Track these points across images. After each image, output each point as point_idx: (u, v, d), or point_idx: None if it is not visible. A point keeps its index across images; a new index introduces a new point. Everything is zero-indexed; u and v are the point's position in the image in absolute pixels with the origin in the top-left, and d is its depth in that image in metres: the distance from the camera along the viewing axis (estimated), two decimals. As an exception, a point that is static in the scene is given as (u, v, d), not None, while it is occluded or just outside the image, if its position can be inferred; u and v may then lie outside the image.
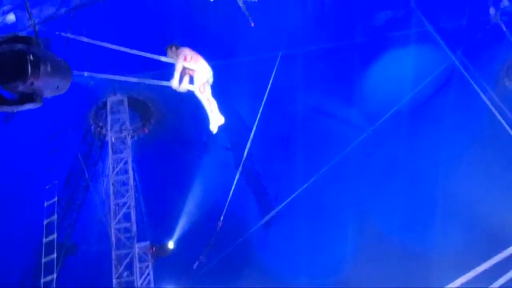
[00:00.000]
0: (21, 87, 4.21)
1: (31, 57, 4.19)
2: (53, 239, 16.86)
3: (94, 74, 12.08)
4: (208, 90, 10.61)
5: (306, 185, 17.42)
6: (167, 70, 10.87)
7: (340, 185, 18.18)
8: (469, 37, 17.11)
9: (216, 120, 10.78)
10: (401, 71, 17.59)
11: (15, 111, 4.46)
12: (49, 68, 4.36)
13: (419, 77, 17.48)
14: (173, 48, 10.51)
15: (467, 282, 8.77)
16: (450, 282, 9.09)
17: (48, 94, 4.54)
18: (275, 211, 17.70)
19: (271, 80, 16.27)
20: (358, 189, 18.23)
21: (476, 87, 16.09)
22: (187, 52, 10.42)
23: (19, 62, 4.16)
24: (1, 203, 18.65)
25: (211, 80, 10.57)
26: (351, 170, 18.15)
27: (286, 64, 16.90)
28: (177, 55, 10.32)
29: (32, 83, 4.22)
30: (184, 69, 10.32)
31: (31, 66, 4.18)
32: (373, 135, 17.91)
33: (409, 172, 18.11)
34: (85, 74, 10.41)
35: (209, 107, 10.67)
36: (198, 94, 10.50)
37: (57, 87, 4.60)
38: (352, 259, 17.80)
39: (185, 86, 10.50)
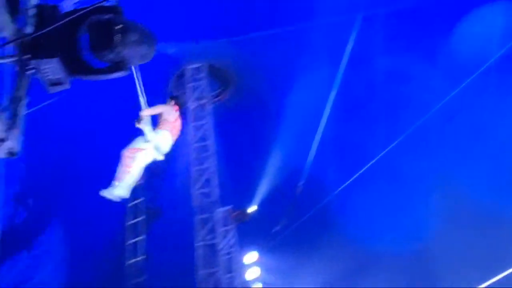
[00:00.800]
0: (110, 56, 4.33)
1: (119, 27, 4.30)
2: (139, 203, 17.49)
3: (173, 43, 12.14)
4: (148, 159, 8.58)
5: (387, 149, 16.99)
6: (248, 37, 10.78)
7: (423, 149, 17.66)
8: None
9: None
10: (488, 28, 16.64)
11: (104, 79, 4.59)
12: (135, 37, 4.45)
13: (507, 36, 16.49)
14: (172, 102, 9.13)
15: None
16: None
17: (135, 62, 4.66)
18: (355, 176, 17.42)
19: (350, 43, 15.85)
20: (441, 153, 17.64)
21: None
22: (172, 115, 8.93)
23: (108, 32, 4.28)
24: (88, 170, 19.51)
25: (161, 151, 8.66)
26: (434, 133, 17.57)
27: (366, 27, 16.40)
28: (168, 107, 8.92)
29: (120, 52, 4.33)
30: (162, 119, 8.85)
31: (118, 36, 4.29)
32: (457, 98, 17.15)
33: (496, 136, 17.28)
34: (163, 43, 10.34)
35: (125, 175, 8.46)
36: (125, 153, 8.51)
37: (143, 55, 4.70)
38: (435, 224, 17.33)
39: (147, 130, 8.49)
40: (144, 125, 8.30)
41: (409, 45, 17.55)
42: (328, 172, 18.77)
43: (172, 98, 9.24)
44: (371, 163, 17.06)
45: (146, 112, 8.26)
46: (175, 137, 8.90)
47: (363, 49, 16.86)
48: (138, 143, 8.48)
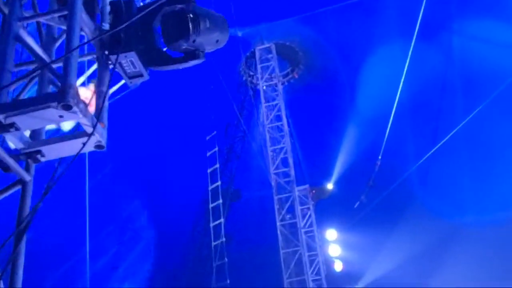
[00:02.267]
0: (185, 45, 4.38)
1: (191, 15, 4.33)
2: (218, 186, 17.79)
3: (242, 26, 12.15)
4: None
5: (467, 119, 16.34)
6: (315, 13, 10.60)
7: (506, 117, 16.88)
8: None
9: None
10: None
11: (180, 68, 4.65)
12: (208, 24, 4.47)
13: None
14: None
15: None
16: None
17: (209, 49, 4.67)
18: (435, 148, 16.89)
19: (422, 9, 15.24)
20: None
21: None
22: None
23: (181, 21, 4.32)
24: (169, 155, 20.02)
25: None
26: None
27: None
28: None
29: (194, 40, 4.37)
30: None
31: (192, 24, 4.32)
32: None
33: None
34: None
35: None
36: None
37: (217, 41, 4.71)
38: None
39: None
40: None
41: (483, 3, 16.71)
42: (406, 145, 18.34)
43: None
44: (452, 133, 16.46)
45: None
46: None
47: (435, 15, 16.20)
48: None
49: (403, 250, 17.41)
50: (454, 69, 17.60)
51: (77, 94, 3.61)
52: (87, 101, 8.56)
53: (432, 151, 16.94)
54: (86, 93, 9.34)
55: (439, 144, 16.73)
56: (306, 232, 17.23)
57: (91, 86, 8.96)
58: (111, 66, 4.27)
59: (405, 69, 15.55)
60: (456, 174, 17.59)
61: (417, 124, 18.37)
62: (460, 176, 17.53)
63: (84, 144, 3.83)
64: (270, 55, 18.86)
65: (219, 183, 17.98)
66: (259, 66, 18.88)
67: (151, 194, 21.13)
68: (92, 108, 4.44)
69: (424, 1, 15.30)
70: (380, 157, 16.58)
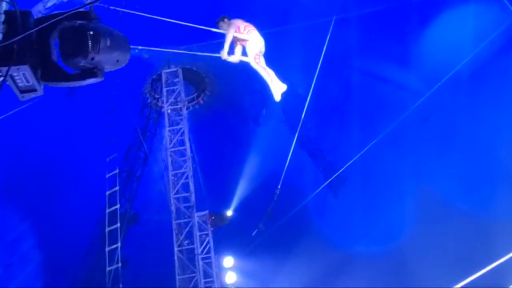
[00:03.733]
0: (82, 62, 4.29)
1: (91, 33, 4.26)
2: (116, 209, 17.36)
3: (148, 48, 12.14)
4: (263, 60, 10.41)
5: (362, 152, 17.17)
6: (220, 41, 10.82)
7: (397, 151, 17.87)
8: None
9: (278, 88, 10.44)
10: (460, 31, 16.88)
11: (77, 86, 4.55)
12: (108, 43, 4.42)
13: (479, 38, 16.74)
14: (225, 20, 10.31)
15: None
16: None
17: (108, 68, 4.61)
18: (331, 179, 17.59)
19: (325, 46, 15.95)
20: (416, 155, 17.88)
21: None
22: (239, 22, 10.20)
23: (80, 38, 4.24)
24: (65, 175, 19.30)
25: (263, 49, 10.31)
26: (408, 135, 17.78)
27: (340, 29, 16.53)
28: (229, 26, 10.16)
29: (93, 58, 4.30)
30: (236, 40, 10.18)
31: (91, 42, 4.25)
32: (431, 100, 17.38)
33: (469, 137, 17.53)
34: (139, 47, 10.47)
35: (268, 77, 10.39)
36: (254, 65, 10.26)
37: (117, 61, 4.66)
38: (410, 226, 17.55)
39: (238, 57, 10.31)
40: (238, 55, 10.05)
41: (382, 47, 17.75)
42: (305, 175, 18.89)
43: (222, 18, 10.05)
44: (346, 166, 17.25)
45: (224, 51, 9.87)
46: (251, 31, 10.11)
47: (338, 52, 16.99)
48: (251, 51, 10.01)
49: (298, 277, 17.79)
50: (352, 104, 18.47)
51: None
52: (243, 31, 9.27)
53: (326, 182, 17.63)
54: (235, 29, 10.43)
55: (334, 176, 17.43)
56: (203, 259, 17.16)
57: None
58: (0, 78, 4.11)
59: (307, 102, 16.16)
60: (350, 206, 18.34)
61: (315, 155, 19.03)
62: (354, 207, 18.29)
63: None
64: (176, 79, 18.85)
65: (118, 206, 17.57)
66: (164, 89, 18.78)
67: (44, 215, 20.20)
68: None
69: (328, 38, 16.07)
70: (279, 187, 16.96)
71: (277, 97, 10.49)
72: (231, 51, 10.29)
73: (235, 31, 10.04)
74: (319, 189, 17.71)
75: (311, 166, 19.00)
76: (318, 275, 17.49)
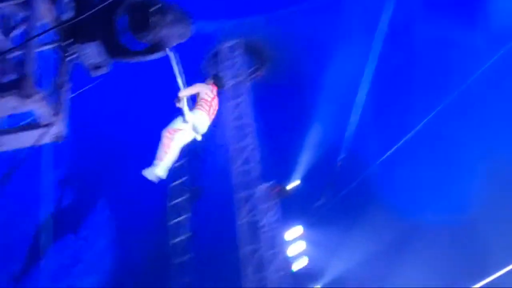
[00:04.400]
0: (148, 37, 4.36)
1: (156, 8, 4.32)
2: (181, 183, 17.70)
3: (208, 22, 12.10)
4: (186, 139, 8.62)
5: (428, 117, 16.54)
6: (282, 12, 10.63)
7: (466, 116, 17.24)
8: None
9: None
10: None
11: (143, 60, 4.62)
12: (172, 17, 4.46)
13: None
14: (211, 81, 9.20)
15: None
16: None
17: (172, 42, 4.66)
18: (396, 146, 17.12)
19: (387, 11, 15.46)
20: (486, 119, 17.19)
21: None
22: (209, 94, 8.84)
23: (145, 13, 4.31)
24: (130, 151, 19.80)
25: (199, 132, 8.65)
26: (477, 99, 17.10)
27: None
28: (205, 87, 8.99)
29: (158, 33, 4.36)
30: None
31: (155, 17, 4.31)
32: (500, 62, 16.58)
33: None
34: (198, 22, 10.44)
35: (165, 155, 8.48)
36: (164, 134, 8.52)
37: (180, 35, 4.71)
38: (480, 193, 16.94)
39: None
40: (183, 105, 8.30)
41: (447, 9, 17.06)
42: (369, 143, 18.55)
43: (213, 77, 9.19)
44: (412, 132, 16.69)
45: (184, 93, 8.22)
46: (212, 117, 8.84)
47: (400, 16, 16.45)
48: (176, 123, 8.46)
49: (363, 248, 17.63)
50: (417, 69, 17.91)
51: (34, 83, 3.55)
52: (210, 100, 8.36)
53: (392, 149, 17.18)
54: (208, 91, 9.24)
55: (401, 142, 16.95)
56: (268, 230, 17.27)
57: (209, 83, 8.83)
58: (73, 57, 4.22)
59: (369, 67, 15.77)
60: (417, 173, 17.91)
61: (379, 122, 18.64)
62: (421, 175, 17.86)
63: (41, 135, 3.77)
64: (236, 53, 18.83)
65: (182, 180, 17.88)
66: (224, 63, 18.83)
67: (113, 190, 20.88)
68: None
69: (388, 2, 15.58)
70: (343, 155, 16.77)
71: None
72: None
73: (207, 91, 8.76)
74: (384, 157, 17.25)
75: (375, 133, 18.60)
76: (385, 243, 17.28)
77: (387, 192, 18.26)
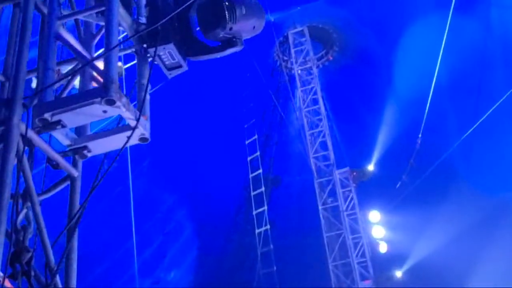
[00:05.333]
0: (222, 33, 4.37)
1: (227, 3, 4.31)
2: (259, 174, 17.84)
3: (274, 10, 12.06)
4: None
5: (509, 92, 15.78)
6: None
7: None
8: None
9: None
10: None
11: (219, 56, 4.65)
12: (244, 11, 4.45)
13: None
14: None
15: None
16: None
17: (246, 35, 4.65)
18: (476, 124, 16.44)
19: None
20: None
21: None
22: None
23: (217, 10, 4.32)
24: (207, 145, 20.12)
25: None
26: None
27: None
28: None
29: (231, 28, 4.36)
30: None
31: (228, 12, 4.31)
32: None
33: None
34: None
35: None
36: None
37: (254, 28, 4.68)
38: None
39: None
40: None
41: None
42: (447, 121, 17.95)
43: None
44: (493, 107, 15.97)
45: None
46: None
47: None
48: None
49: (448, 229, 17.09)
50: (494, 41, 17.09)
51: (119, 89, 3.65)
52: None
53: (474, 127, 16.48)
54: None
55: (481, 120, 16.27)
56: (348, 215, 17.14)
57: None
58: (150, 59, 4.30)
59: (443, 44, 15.16)
60: (499, 149, 17.14)
61: (457, 99, 17.93)
62: (504, 150, 17.07)
63: (128, 137, 3.88)
64: (303, 39, 18.74)
65: (260, 170, 18.02)
66: (292, 50, 18.78)
67: (192, 185, 21.33)
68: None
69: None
70: (420, 135, 16.30)
71: None
72: None
73: None
74: (465, 135, 16.63)
75: (453, 111, 17.94)
76: (470, 225, 16.66)
77: (468, 170, 17.62)
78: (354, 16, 18.01)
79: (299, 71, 18.75)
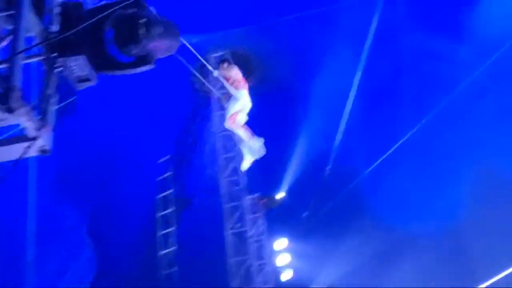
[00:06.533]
0: (135, 50, 4.32)
1: (143, 20, 4.28)
2: (169, 194, 17.65)
3: (195, 33, 12.17)
4: (243, 118, 9.82)
5: (416, 128, 16.74)
6: (270, 22, 10.72)
7: (452, 127, 17.38)
8: None
9: (255, 145, 9.98)
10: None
11: (130, 73, 4.59)
12: (160, 30, 4.43)
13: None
14: (225, 65, 9.95)
15: None
16: None
17: (160, 55, 4.63)
18: (384, 156, 17.22)
19: (374, 24, 15.61)
20: (472, 131, 17.32)
21: None
22: (233, 73, 9.79)
23: (132, 26, 4.27)
24: (117, 162, 19.69)
25: (247, 110, 9.78)
26: (463, 111, 17.26)
27: (390, 4, 16.13)
28: (227, 71, 9.76)
29: (145, 46, 4.32)
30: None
31: (143, 29, 4.28)
32: (486, 73, 16.78)
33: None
34: (187, 34, 10.52)
35: (245, 134, 9.87)
36: (227, 125, 9.72)
37: (168, 48, 4.68)
38: (468, 203, 17.06)
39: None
40: (219, 75, 9.69)
41: (434, 21, 17.25)
42: (356, 154, 18.62)
43: (223, 61, 9.95)
44: (400, 142, 16.84)
45: (223, 72, 9.60)
46: (240, 88, 9.95)
47: (387, 28, 16.62)
48: (230, 109, 9.72)
49: (352, 258, 17.61)
50: (404, 80, 18.05)
51: (21, 97, 3.51)
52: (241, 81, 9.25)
53: (380, 160, 17.30)
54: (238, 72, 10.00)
55: (387, 153, 17.08)
56: (255, 241, 17.25)
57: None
58: (59, 69, 4.18)
59: (356, 79, 15.87)
60: (405, 183, 17.96)
61: (367, 132, 18.71)
62: (408, 185, 17.90)
63: (27, 148, 3.73)
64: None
65: (171, 191, 17.83)
66: (212, 74, 18.80)
67: (96, 203, 20.71)
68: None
69: (377, 14, 15.71)
70: (330, 166, 16.80)
71: (246, 164, 9.92)
72: None
73: (226, 80, 9.54)
74: (370, 168, 17.38)
75: (363, 143, 18.68)
76: (373, 255, 17.27)
77: (374, 202, 18.29)
78: (277, 45, 18.41)
79: (217, 95, 18.82)
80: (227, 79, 9.73)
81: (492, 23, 16.33)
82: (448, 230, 16.94)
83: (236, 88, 9.65)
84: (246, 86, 9.85)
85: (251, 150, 9.62)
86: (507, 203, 16.37)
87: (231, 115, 9.56)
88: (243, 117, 9.76)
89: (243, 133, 9.90)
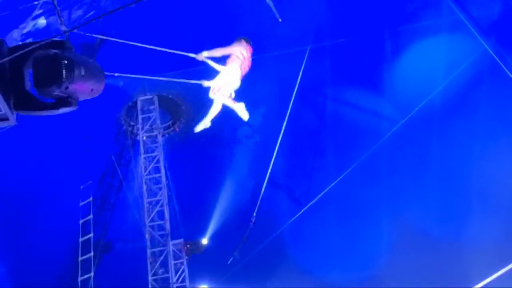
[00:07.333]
0: (56, 92, 4.26)
1: (66, 62, 4.23)
2: (90, 238, 17.10)
3: (124, 75, 12.12)
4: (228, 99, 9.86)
5: (337, 180, 17.27)
6: (196, 68, 10.85)
7: (372, 179, 17.99)
8: (502, 25, 16.67)
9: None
10: (432, 61, 17.24)
11: (50, 114, 4.51)
12: (83, 72, 4.40)
13: (451, 67, 17.08)
14: (243, 41, 9.86)
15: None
16: (488, 276, 8.94)
17: (82, 97, 4.59)
18: (307, 206, 17.59)
19: (300, 75, 16.13)
20: (391, 183, 18.00)
21: (511, 76, 15.62)
22: (241, 49, 9.64)
23: (54, 66, 4.21)
24: (37, 203, 18.97)
25: (230, 92, 9.83)
26: (383, 163, 17.94)
27: (315, 58, 16.74)
28: (239, 47, 9.64)
29: (67, 87, 4.26)
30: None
31: (65, 71, 4.23)
32: (405, 128, 17.62)
33: (443, 165, 17.79)
34: (115, 74, 10.44)
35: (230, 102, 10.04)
36: (211, 95, 9.77)
37: (92, 90, 4.64)
38: (385, 254, 17.62)
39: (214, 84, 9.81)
40: (202, 58, 9.10)
41: (356, 75, 18.01)
42: (280, 203, 18.88)
43: (242, 38, 9.64)
44: (321, 194, 17.30)
45: (215, 53, 9.07)
46: (243, 72, 9.57)
47: (312, 81, 17.20)
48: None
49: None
50: (327, 132, 18.63)
51: None
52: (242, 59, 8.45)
53: (302, 210, 17.64)
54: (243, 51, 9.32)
55: (310, 204, 17.45)
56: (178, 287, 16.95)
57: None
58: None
59: (282, 130, 16.24)
60: (326, 233, 18.34)
61: (290, 183, 19.06)
62: (330, 235, 18.28)
63: None
64: (152, 107, 18.81)
65: (91, 234, 17.30)
66: (140, 117, 18.72)
67: (13, 244, 19.75)
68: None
69: (302, 67, 16.26)
70: (254, 215, 16.90)
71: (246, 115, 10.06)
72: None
73: (240, 51, 9.48)
74: (293, 218, 17.70)
75: (286, 194, 19.02)
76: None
77: (298, 251, 18.50)
78: (203, 90, 18.57)
79: (144, 138, 18.69)
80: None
81: (411, 78, 17.25)
82: (366, 278, 17.36)
83: (228, 64, 9.40)
84: (243, 66, 9.55)
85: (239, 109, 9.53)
86: (422, 254, 16.99)
87: (213, 88, 9.45)
88: (229, 90, 9.56)
89: (227, 101, 9.76)
